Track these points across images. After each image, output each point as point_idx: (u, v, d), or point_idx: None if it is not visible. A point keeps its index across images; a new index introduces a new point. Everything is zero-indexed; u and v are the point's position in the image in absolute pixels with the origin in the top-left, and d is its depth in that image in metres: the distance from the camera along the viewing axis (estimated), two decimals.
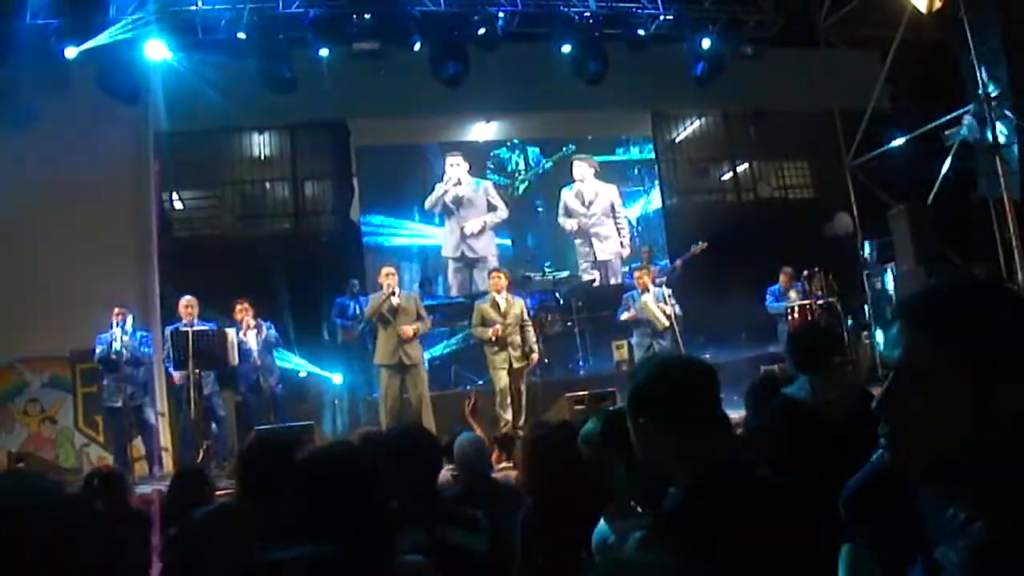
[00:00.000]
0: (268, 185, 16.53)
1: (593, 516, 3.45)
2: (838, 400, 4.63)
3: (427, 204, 17.00)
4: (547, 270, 16.84)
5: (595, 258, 17.56)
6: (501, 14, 14.68)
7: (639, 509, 3.13)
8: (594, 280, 17.11)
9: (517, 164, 17.77)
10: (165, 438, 12.50)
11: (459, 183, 17.03)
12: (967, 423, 1.48)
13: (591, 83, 15.20)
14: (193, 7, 13.69)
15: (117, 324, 11.36)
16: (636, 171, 18.41)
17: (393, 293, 11.81)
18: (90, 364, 12.39)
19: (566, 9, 15.04)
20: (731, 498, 2.19)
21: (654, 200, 18.12)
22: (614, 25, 15.28)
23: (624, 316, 12.79)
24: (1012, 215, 13.05)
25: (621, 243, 17.74)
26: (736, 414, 5.54)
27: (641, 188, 18.25)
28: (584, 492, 3.97)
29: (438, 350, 15.27)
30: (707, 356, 13.07)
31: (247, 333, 11.98)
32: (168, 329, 11.61)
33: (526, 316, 12.45)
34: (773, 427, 2.88)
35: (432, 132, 17.50)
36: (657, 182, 17.91)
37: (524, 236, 17.66)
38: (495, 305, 12.23)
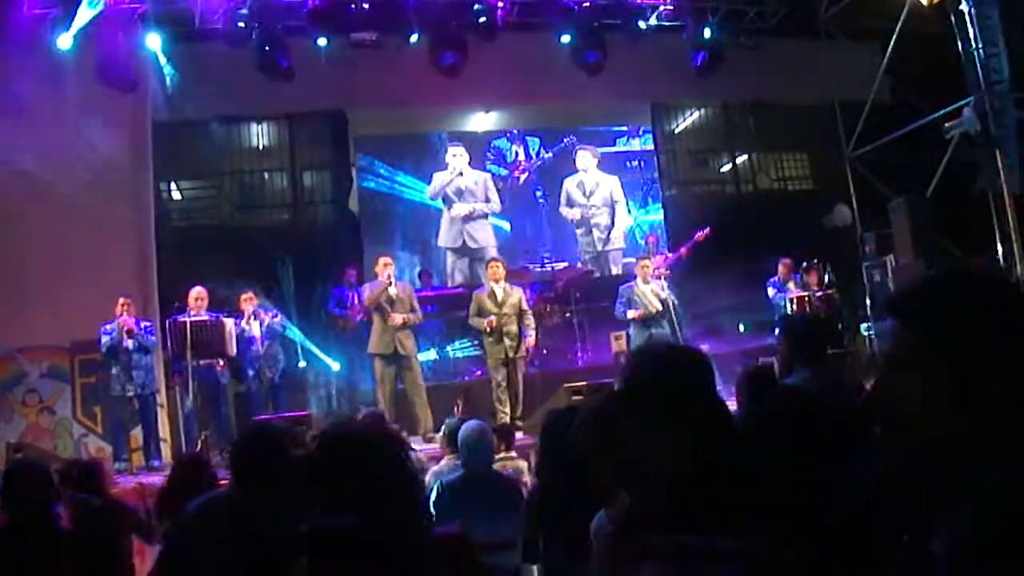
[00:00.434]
0: (266, 175, 16.49)
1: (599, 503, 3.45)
2: (835, 392, 4.61)
3: (428, 193, 16.98)
4: (546, 260, 16.83)
5: (595, 248, 17.55)
6: (500, 3, 14.66)
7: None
8: (593, 271, 17.08)
9: (516, 154, 17.75)
10: (164, 428, 12.50)
11: (461, 174, 17.00)
12: (948, 413, 1.49)
13: (590, 73, 15.19)
14: None
15: (123, 313, 11.33)
16: (636, 162, 18.41)
17: (391, 283, 11.80)
18: (89, 355, 12.40)
19: None
20: (710, 496, 2.15)
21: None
22: (613, 15, 15.28)
23: (632, 314, 12.71)
24: (1011, 208, 13.06)
25: (622, 234, 17.73)
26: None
27: (640, 179, 18.27)
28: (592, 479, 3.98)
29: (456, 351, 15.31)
30: (704, 347, 13.09)
31: (250, 323, 11.98)
32: (168, 319, 11.62)
33: (524, 306, 12.41)
34: (775, 418, 2.85)
35: (431, 122, 17.49)
36: (656, 174, 17.87)
37: (523, 226, 17.65)
38: (492, 295, 12.22)
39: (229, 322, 11.60)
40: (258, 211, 16.35)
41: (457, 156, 17.08)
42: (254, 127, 16.25)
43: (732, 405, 5.39)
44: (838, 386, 4.96)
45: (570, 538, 3.74)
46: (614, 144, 18.38)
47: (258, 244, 14.77)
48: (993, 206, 13.53)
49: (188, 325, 11.18)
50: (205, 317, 11.48)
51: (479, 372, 14.01)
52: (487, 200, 17.18)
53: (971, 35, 13.48)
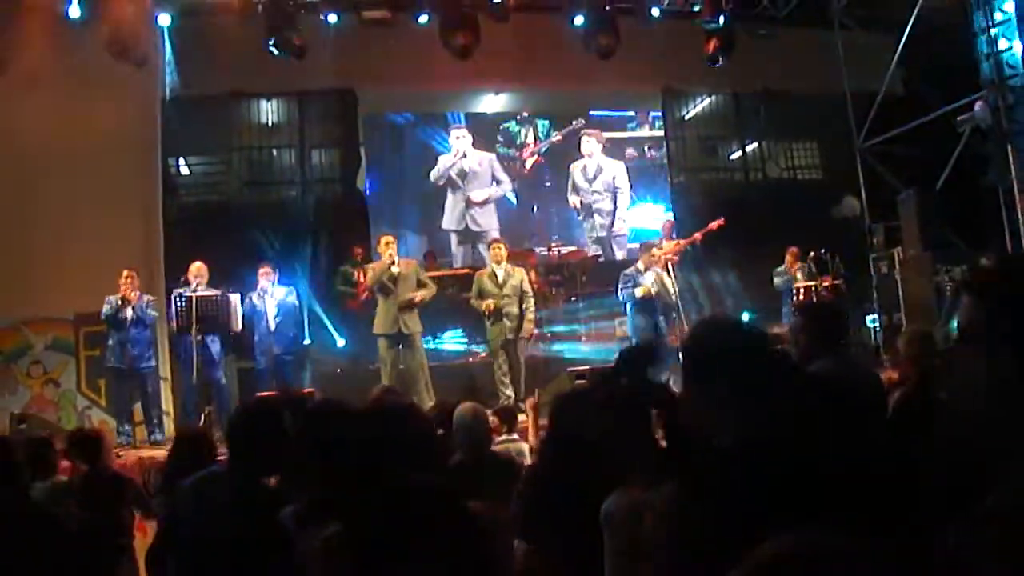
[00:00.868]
0: (275, 152, 16.48)
1: (598, 484, 3.44)
2: (856, 380, 4.63)
3: (432, 176, 16.98)
4: (553, 244, 16.83)
5: (596, 233, 17.53)
6: None
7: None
8: (599, 255, 17.06)
9: (526, 137, 17.72)
10: (167, 403, 12.51)
11: (465, 156, 16.98)
12: (1013, 386, 1.50)
13: (602, 57, 15.14)
14: None
15: (127, 286, 11.32)
16: (645, 148, 18.39)
17: (393, 262, 11.78)
18: (94, 327, 12.41)
19: None
20: (766, 461, 2.18)
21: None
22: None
23: (640, 292, 12.58)
24: (1021, 204, 13.01)
25: (623, 220, 17.72)
26: None
27: (650, 164, 18.26)
28: (593, 460, 3.97)
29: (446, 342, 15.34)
30: None
31: (263, 298, 11.97)
32: (173, 294, 11.63)
33: (527, 287, 12.38)
34: (803, 403, 2.87)
35: (441, 103, 17.45)
36: (665, 161, 17.84)
37: (531, 210, 17.64)
38: (492, 276, 12.22)
39: (235, 298, 11.61)
40: (266, 188, 16.33)
41: (460, 138, 17.09)
42: (263, 104, 16.22)
43: None
44: (858, 374, 4.99)
45: (567, 520, 3.74)
46: (624, 129, 18.35)
47: (266, 220, 14.76)
48: (1003, 201, 13.48)
49: (194, 300, 11.19)
50: (211, 293, 11.48)
51: (482, 353, 14.01)
52: (496, 181, 17.19)
53: (986, 28, 13.43)
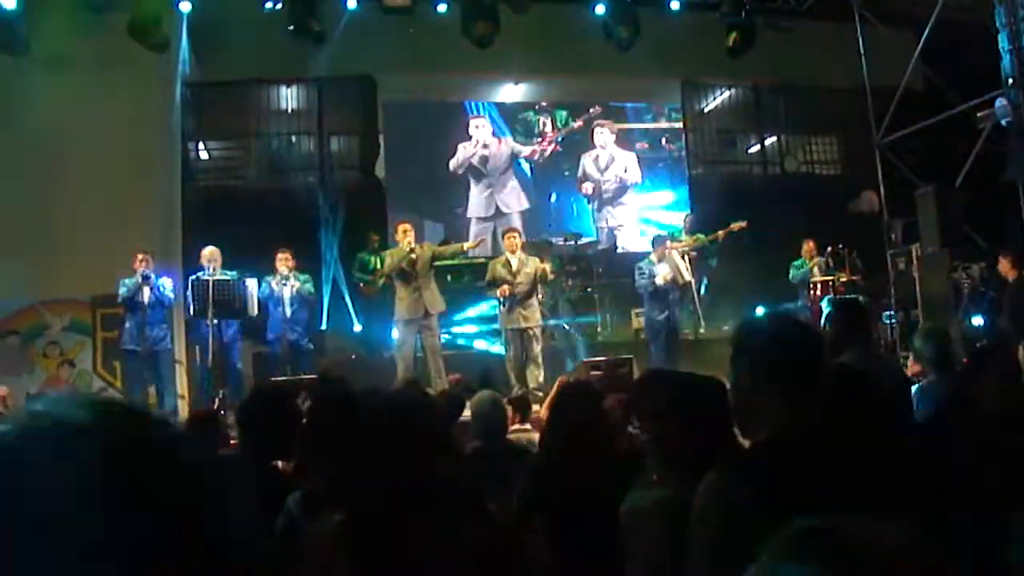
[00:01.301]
0: (294, 138, 16.49)
1: (601, 478, 3.44)
2: (884, 371, 4.67)
3: (452, 165, 16.98)
4: (569, 235, 16.81)
5: (608, 223, 17.50)
6: None
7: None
8: (615, 246, 17.05)
9: (544, 127, 17.71)
10: (182, 385, 12.57)
11: (486, 146, 16.97)
12: None
13: (622, 48, 15.12)
14: None
15: (144, 273, 11.35)
16: (663, 140, 18.37)
17: (412, 250, 11.81)
18: (111, 309, 12.49)
19: None
20: (812, 453, 2.20)
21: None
22: None
23: (660, 280, 12.56)
24: None
25: (635, 211, 17.68)
26: None
27: (665, 156, 18.24)
28: (597, 452, 3.97)
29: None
30: (726, 328, 13.09)
31: (281, 285, 12.00)
32: (190, 278, 11.66)
33: (541, 277, 12.34)
34: (833, 394, 2.90)
35: (460, 92, 17.44)
36: (684, 152, 17.81)
37: (548, 200, 17.63)
38: (507, 264, 12.21)
39: (252, 283, 11.63)
40: (285, 174, 16.34)
41: (480, 128, 17.07)
42: (283, 90, 16.22)
43: None
44: (883, 365, 5.03)
45: (571, 510, 3.74)
46: (640, 120, 18.33)
47: (284, 206, 14.78)
48: (1022, 198, 13.41)
49: (211, 284, 11.22)
50: (228, 277, 11.51)
51: (493, 345, 14.02)
52: (514, 161, 17.18)
53: (1007, 24, 13.35)
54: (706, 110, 18.04)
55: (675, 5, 15.57)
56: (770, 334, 2.54)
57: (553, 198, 17.74)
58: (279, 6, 14.24)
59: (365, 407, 2.95)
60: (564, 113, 17.80)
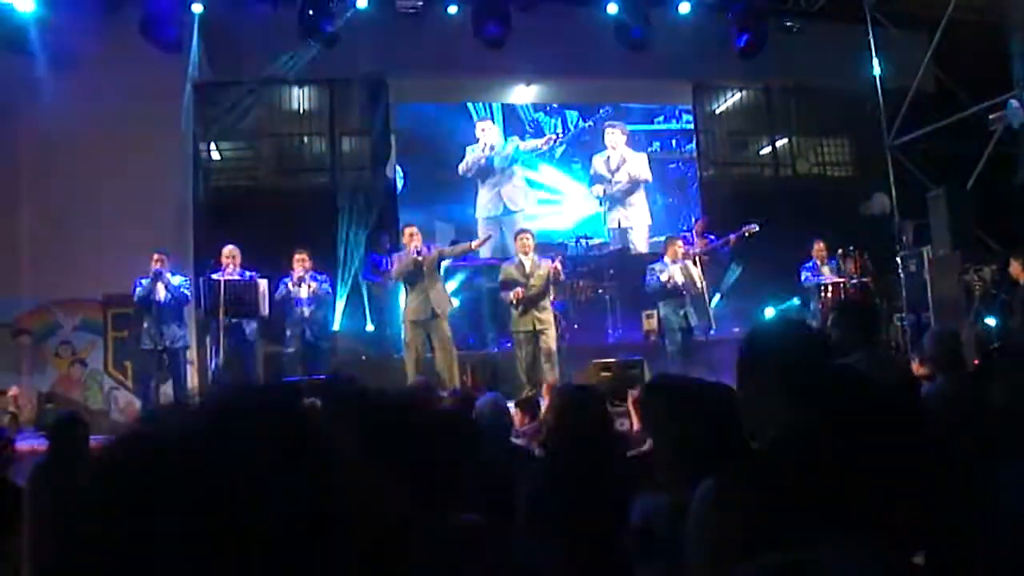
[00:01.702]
0: (305, 139, 16.50)
1: (606, 480, 3.45)
2: (888, 372, 4.66)
3: (461, 169, 16.96)
4: (580, 236, 16.80)
5: (619, 225, 17.47)
6: None
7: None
8: (627, 248, 17.03)
9: (555, 128, 17.70)
10: (194, 384, 12.60)
11: (493, 148, 16.95)
12: None
13: (633, 49, 15.14)
14: None
15: (156, 269, 11.36)
16: (673, 142, 18.36)
17: (419, 253, 11.82)
18: (122, 308, 12.55)
19: None
20: (814, 453, 2.20)
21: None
22: None
23: (664, 277, 12.55)
24: None
25: (647, 211, 17.65)
26: None
27: (678, 158, 18.23)
28: (600, 454, 3.98)
29: None
30: (737, 329, 13.08)
31: (299, 285, 12.02)
32: (201, 277, 11.69)
33: (554, 278, 12.30)
34: (834, 395, 2.90)
35: (472, 93, 17.44)
36: (695, 154, 17.79)
37: None
38: (520, 266, 12.19)
39: (263, 282, 11.64)
40: (296, 174, 16.37)
41: (487, 131, 17.04)
42: (295, 91, 16.24)
43: None
44: (890, 366, 5.02)
45: (574, 515, 3.75)
46: (651, 122, 18.31)
47: (295, 207, 14.81)
48: None
49: (222, 284, 11.24)
50: (239, 277, 11.53)
51: (507, 344, 14.00)
52: (521, 157, 17.22)
53: (1020, 26, 13.33)
54: (717, 112, 18.03)
55: (686, 7, 15.58)
56: (777, 338, 2.55)
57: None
58: (290, 7, 14.29)
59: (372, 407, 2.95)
60: (575, 114, 17.79)
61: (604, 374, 11.03)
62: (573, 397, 4.41)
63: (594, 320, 15.30)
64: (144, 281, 11.33)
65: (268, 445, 0.95)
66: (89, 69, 12.90)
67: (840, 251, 13.78)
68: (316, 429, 1.04)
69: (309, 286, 12.04)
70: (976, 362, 5.21)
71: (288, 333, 12.16)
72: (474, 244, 13.00)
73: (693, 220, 15.84)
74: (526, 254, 12.26)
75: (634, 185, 17.46)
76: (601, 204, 17.48)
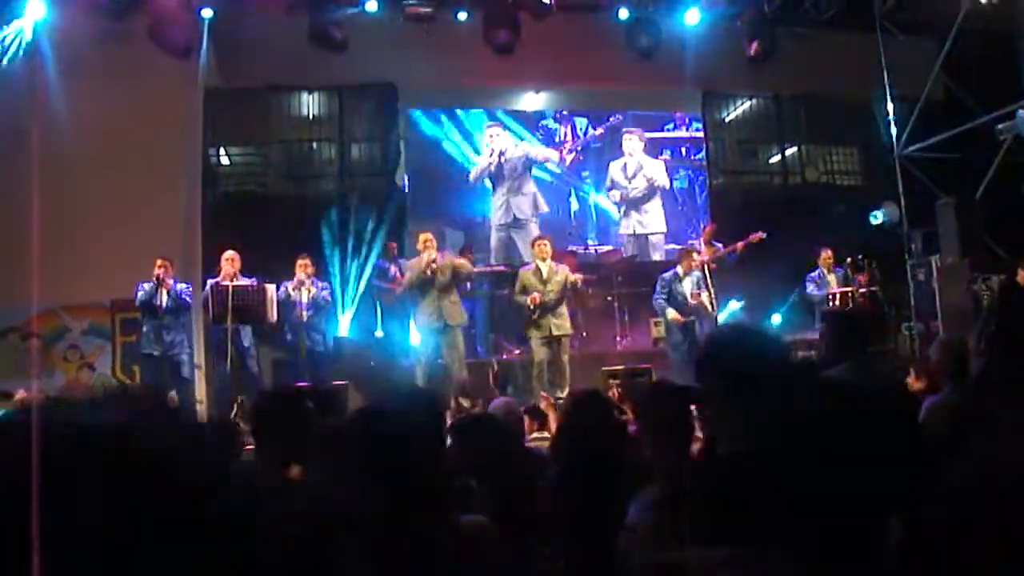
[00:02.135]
0: (315, 145, 16.50)
1: (619, 488, 3.44)
2: (873, 385, 4.61)
3: (471, 177, 16.96)
4: (590, 244, 16.79)
5: (635, 232, 17.45)
6: None
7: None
8: (636, 255, 17.01)
9: (564, 135, 17.70)
10: (200, 391, 12.61)
11: (503, 153, 16.91)
12: None
13: (643, 57, 15.15)
14: None
15: (160, 275, 11.38)
16: (683, 150, 18.35)
17: (433, 261, 11.82)
18: (130, 313, 12.57)
19: None
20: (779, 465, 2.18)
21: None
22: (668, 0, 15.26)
23: (671, 315, 12.61)
24: None
25: (663, 219, 17.62)
26: None
27: (688, 166, 18.22)
28: (612, 462, 3.97)
29: None
30: None
31: (299, 289, 12.02)
32: (209, 283, 11.70)
33: (571, 285, 12.36)
34: (814, 408, 2.89)
35: (481, 99, 17.45)
36: (704, 161, 17.77)
37: (568, 207, 17.61)
38: (537, 272, 12.22)
39: (271, 288, 11.65)
40: (305, 180, 16.37)
41: (495, 137, 17.01)
42: (304, 97, 16.26)
43: None
44: (877, 380, 4.97)
45: (584, 521, 3.74)
46: (661, 130, 18.30)
47: (304, 213, 14.83)
48: None
49: (230, 290, 11.25)
50: (247, 283, 11.55)
51: (518, 351, 14.01)
52: (531, 167, 17.16)
53: None
54: (727, 120, 18.01)
55: (696, 15, 15.59)
56: (735, 348, 2.52)
57: (575, 206, 17.71)
58: (300, 13, 14.31)
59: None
60: (584, 121, 17.79)
61: (612, 382, 11.02)
62: (584, 402, 4.41)
63: (602, 328, 15.30)
64: (146, 286, 11.38)
65: None
66: (98, 75, 12.93)
67: (849, 260, 13.77)
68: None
69: (309, 291, 12.05)
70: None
71: (287, 337, 12.16)
72: (473, 274, 12.88)
73: (701, 227, 15.83)
74: (543, 260, 12.30)
75: (651, 192, 17.42)
76: (619, 208, 17.47)
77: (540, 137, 17.57)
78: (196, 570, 1.16)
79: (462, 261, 12.41)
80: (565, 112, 17.78)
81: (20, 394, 11.46)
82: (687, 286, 12.53)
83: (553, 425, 7.96)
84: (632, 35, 15.36)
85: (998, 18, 14.31)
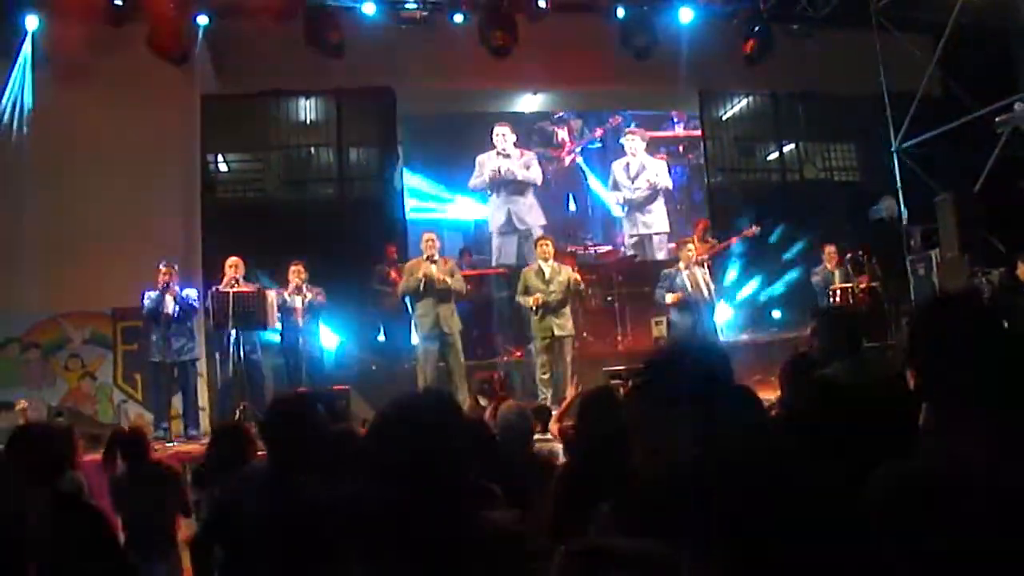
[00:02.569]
0: (313, 150, 16.50)
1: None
2: (870, 382, 4.61)
3: (471, 184, 16.89)
4: (590, 245, 16.79)
5: (638, 232, 17.44)
6: None
7: None
8: (636, 255, 17.00)
9: (562, 137, 17.70)
10: (203, 397, 12.60)
11: (508, 156, 16.84)
12: None
13: (639, 57, 15.16)
14: None
15: (164, 281, 11.35)
16: (680, 148, 18.37)
17: (433, 259, 11.81)
18: (131, 322, 12.58)
19: None
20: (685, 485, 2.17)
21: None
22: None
23: (670, 298, 12.59)
24: None
25: (665, 219, 17.60)
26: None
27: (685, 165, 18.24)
28: (622, 457, 3.97)
29: None
30: (745, 336, 13.07)
31: (293, 294, 12.01)
32: (210, 289, 11.69)
33: (574, 285, 12.32)
34: (810, 406, 2.89)
35: (479, 102, 17.45)
36: (703, 159, 17.77)
37: (567, 208, 17.62)
38: (539, 272, 12.20)
39: (271, 293, 11.65)
40: (304, 185, 16.38)
41: (503, 136, 16.98)
42: (302, 102, 16.26)
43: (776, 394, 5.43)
44: (877, 377, 4.97)
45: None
46: (659, 129, 18.31)
47: (303, 218, 14.83)
48: None
49: (231, 296, 11.25)
50: (247, 288, 11.54)
51: (519, 353, 14.01)
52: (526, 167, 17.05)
53: None
54: (724, 118, 18.01)
55: (691, 14, 15.60)
56: (670, 365, 2.49)
57: (572, 207, 17.71)
58: (297, 18, 14.31)
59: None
60: (581, 122, 17.79)
61: (614, 382, 11.02)
62: (598, 399, 4.41)
63: (603, 328, 15.29)
64: (152, 293, 11.34)
65: None
66: (97, 82, 12.94)
67: (849, 256, 13.78)
68: None
69: (304, 296, 12.03)
70: None
71: (285, 344, 12.15)
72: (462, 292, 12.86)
73: (694, 223, 15.86)
74: (546, 260, 12.28)
75: (654, 192, 17.39)
76: (623, 208, 17.46)
77: (537, 140, 17.55)
78: None
79: (458, 278, 12.29)
80: (562, 113, 17.78)
81: (21, 404, 11.48)
82: (688, 279, 12.51)
83: (553, 427, 7.98)
84: (628, 35, 15.36)
85: (993, 14, 14.31)
